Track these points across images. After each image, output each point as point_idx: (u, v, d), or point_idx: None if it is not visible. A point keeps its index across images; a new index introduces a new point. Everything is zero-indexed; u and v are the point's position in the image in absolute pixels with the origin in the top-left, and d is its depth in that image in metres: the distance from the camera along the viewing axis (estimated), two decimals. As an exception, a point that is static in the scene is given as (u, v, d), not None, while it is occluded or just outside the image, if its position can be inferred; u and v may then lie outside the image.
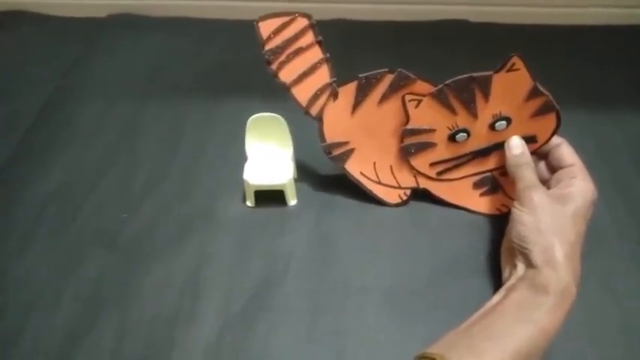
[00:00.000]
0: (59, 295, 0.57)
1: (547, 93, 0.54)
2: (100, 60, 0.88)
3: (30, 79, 0.85)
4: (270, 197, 0.64)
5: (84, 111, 0.79)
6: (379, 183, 0.63)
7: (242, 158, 0.63)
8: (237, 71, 0.84)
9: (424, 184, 0.62)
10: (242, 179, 0.62)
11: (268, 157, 0.64)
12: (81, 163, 0.71)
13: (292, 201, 0.65)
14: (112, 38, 0.92)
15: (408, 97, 0.56)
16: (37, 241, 0.62)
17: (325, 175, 0.67)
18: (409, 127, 0.58)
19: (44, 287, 0.58)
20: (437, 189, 0.63)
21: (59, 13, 0.98)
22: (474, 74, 0.54)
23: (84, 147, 0.74)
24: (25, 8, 0.99)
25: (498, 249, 0.57)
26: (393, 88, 0.56)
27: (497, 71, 0.53)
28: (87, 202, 0.66)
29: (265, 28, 0.54)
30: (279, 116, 0.60)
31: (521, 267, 0.51)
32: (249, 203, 0.64)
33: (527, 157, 0.56)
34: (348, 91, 0.57)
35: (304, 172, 0.67)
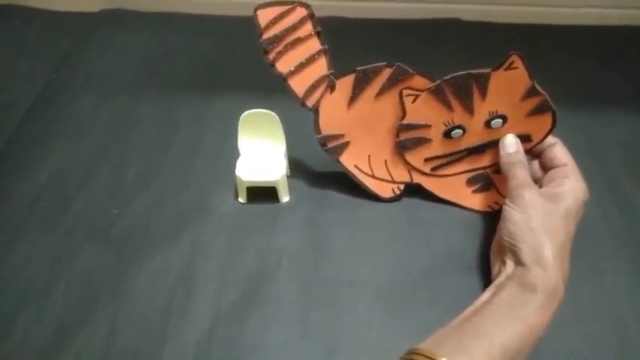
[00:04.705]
0: (51, 289, 0.57)
1: (544, 93, 0.54)
2: (93, 55, 0.88)
3: (22, 74, 0.84)
4: (263, 194, 0.63)
5: (76, 106, 0.78)
6: (373, 177, 0.62)
7: (235, 154, 0.63)
8: (230, 67, 0.83)
9: (418, 179, 0.62)
10: (235, 175, 0.62)
11: (261, 153, 0.63)
12: (73, 157, 0.71)
13: (285, 197, 0.64)
14: (104, 33, 0.92)
15: (405, 92, 0.56)
16: (28, 235, 0.62)
17: (318, 172, 0.67)
18: (405, 122, 0.58)
19: (36, 281, 0.57)
20: (430, 184, 0.63)
21: (52, 7, 0.97)
22: (473, 71, 0.54)
23: (76, 142, 0.73)
24: (17, 2, 0.97)
25: (490, 246, 0.57)
26: (390, 83, 0.56)
27: (495, 69, 0.54)
28: (79, 196, 0.66)
29: (263, 16, 0.54)
30: (272, 112, 0.60)
31: (510, 264, 0.51)
32: (241, 200, 0.64)
33: (521, 156, 0.57)
34: (345, 84, 0.57)
35: (297, 168, 0.67)
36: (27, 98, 0.79)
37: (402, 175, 0.62)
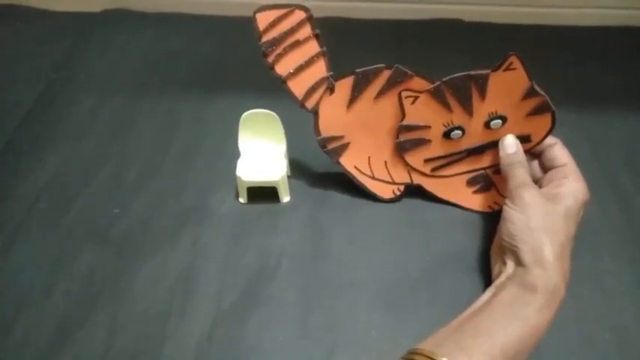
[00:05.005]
0: (51, 289, 0.57)
1: (543, 94, 0.54)
2: (94, 55, 0.88)
3: (23, 74, 0.84)
4: (264, 194, 0.63)
5: (77, 106, 0.78)
6: (373, 178, 0.63)
7: (236, 154, 0.63)
8: (231, 67, 0.83)
9: (418, 180, 0.62)
10: (235, 175, 0.62)
11: (262, 153, 0.63)
12: (73, 157, 0.71)
13: (285, 198, 0.64)
14: (106, 33, 0.92)
15: (404, 94, 0.56)
16: (28, 235, 0.62)
17: (318, 172, 0.67)
18: (405, 123, 0.58)
19: (35, 281, 0.57)
20: (431, 185, 0.63)
21: (53, 8, 0.97)
22: (472, 72, 0.54)
23: (76, 142, 0.73)
24: (19, 2, 0.97)
25: (490, 246, 0.58)
26: (389, 84, 0.56)
27: (494, 70, 0.54)
28: (79, 196, 0.66)
29: (262, 19, 0.54)
30: (272, 113, 0.60)
31: (510, 265, 0.51)
32: (241, 200, 0.64)
33: (521, 156, 0.57)
34: (344, 86, 0.57)
35: (297, 168, 0.67)
36: (28, 98, 0.79)
37: (402, 176, 0.62)
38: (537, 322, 0.46)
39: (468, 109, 0.56)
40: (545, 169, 0.58)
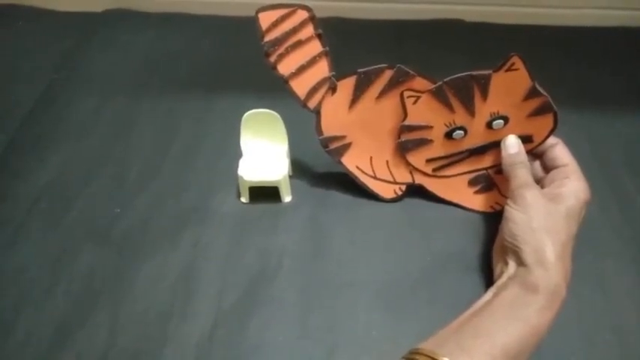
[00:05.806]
0: (51, 290, 0.57)
1: (545, 94, 0.54)
2: (96, 55, 0.88)
3: (24, 74, 0.84)
4: (265, 193, 0.63)
5: (78, 106, 0.78)
6: (375, 178, 0.63)
7: (237, 154, 0.63)
8: (232, 67, 0.83)
9: (420, 180, 0.63)
10: (237, 175, 0.62)
11: (263, 153, 0.63)
12: (75, 157, 0.71)
13: (287, 197, 0.64)
14: (107, 33, 0.92)
15: (406, 94, 0.56)
16: (29, 235, 0.62)
17: (320, 172, 0.67)
18: (406, 123, 0.58)
19: (36, 281, 0.57)
20: (432, 185, 0.63)
21: (55, 7, 0.97)
22: (474, 73, 0.54)
23: (78, 141, 0.73)
24: (21, 2, 0.98)
25: (492, 246, 0.57)
26: (391, 84, 0.56)
27: (496, 70, 0.54)
28: (80, 196, 0.66)
29: (265, 19, 0.54)
30: (274, 112, 0.60)
31: (512, 265, 0.51)
32: (243, 199, 0.64)
33: (523, 157, 0.57)
34: (346, 86, 0.57)
35: (299, 168, 0.67)
36: (29, 98, 0.79)
37: (403, 176, 0.62)
38: (538, 323, 0.46)
39: (469, 109, 0.56)
40: (547, 169, 0.58)
